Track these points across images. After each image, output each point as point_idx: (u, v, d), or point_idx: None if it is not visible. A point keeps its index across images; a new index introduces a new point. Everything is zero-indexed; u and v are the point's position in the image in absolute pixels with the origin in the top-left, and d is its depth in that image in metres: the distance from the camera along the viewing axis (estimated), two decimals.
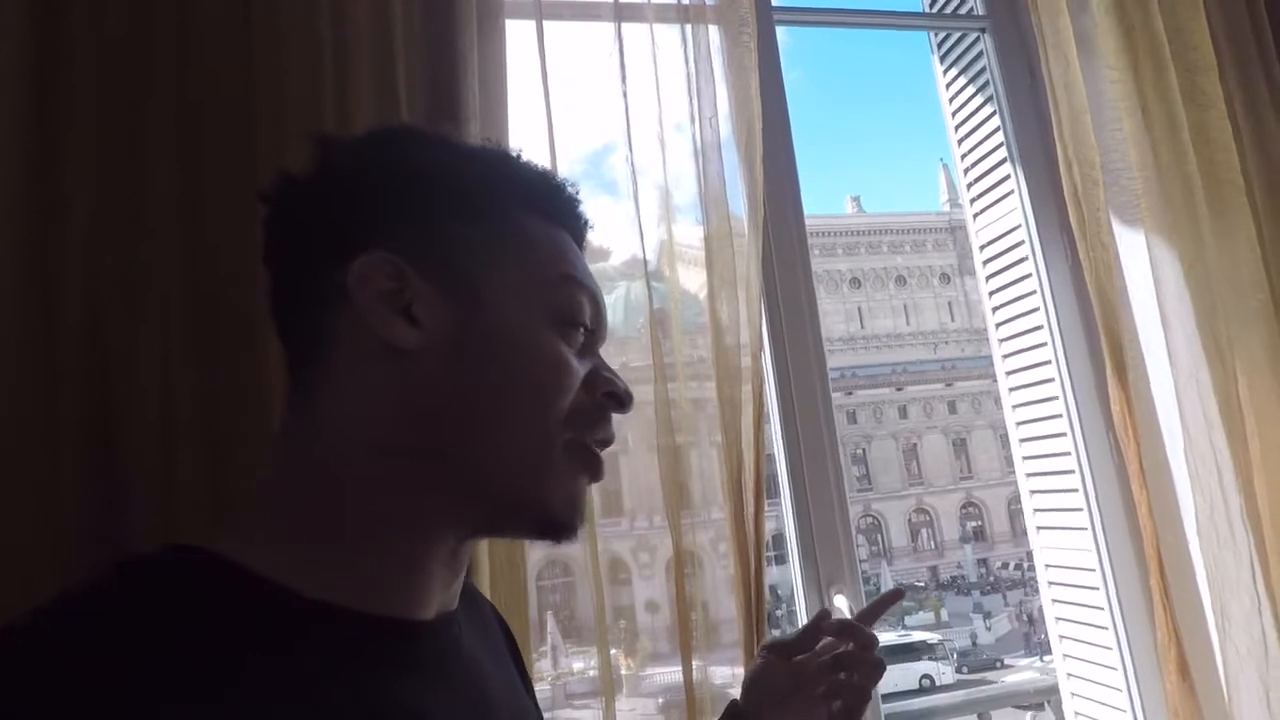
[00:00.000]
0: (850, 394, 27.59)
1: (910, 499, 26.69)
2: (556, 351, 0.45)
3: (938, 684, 14.05)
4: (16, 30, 0.76)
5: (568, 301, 0.47)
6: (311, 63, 0.84)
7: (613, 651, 1.17)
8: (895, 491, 26.67)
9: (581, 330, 0.47)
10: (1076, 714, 1.37)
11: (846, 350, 29.74)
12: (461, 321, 0.43)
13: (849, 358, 29.15)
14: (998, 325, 1.50)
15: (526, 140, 1.00)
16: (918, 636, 16.28)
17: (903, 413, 27.74)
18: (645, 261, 1.19)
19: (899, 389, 27.97)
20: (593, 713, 1.22)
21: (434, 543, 0.43)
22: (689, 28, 1.15)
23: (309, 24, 0.85)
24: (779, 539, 1.33)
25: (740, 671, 1.04)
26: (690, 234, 1.20)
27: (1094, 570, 1.27)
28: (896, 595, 0.73)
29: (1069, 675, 1.38)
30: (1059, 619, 1.40)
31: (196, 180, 0.78)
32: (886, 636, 16.20)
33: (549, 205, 0.49)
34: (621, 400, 0.48)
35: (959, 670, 15.70)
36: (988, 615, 19.80)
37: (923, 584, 24.30)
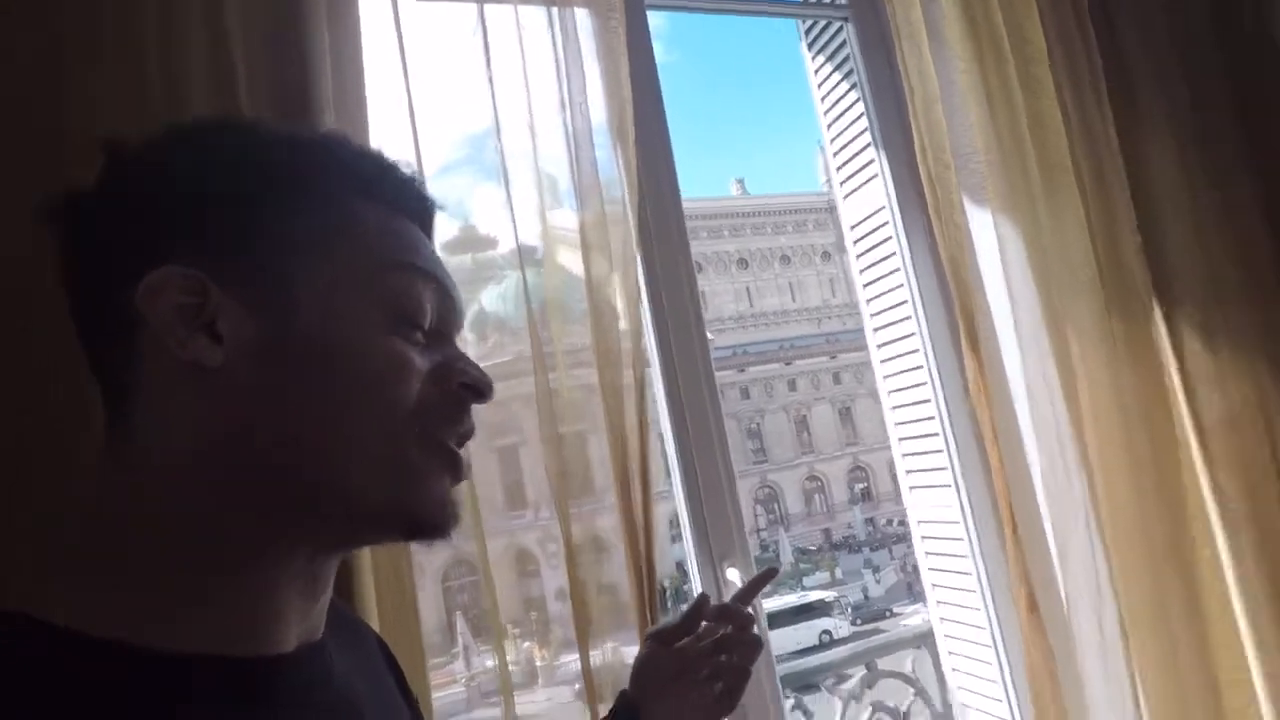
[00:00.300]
0: (743, 371, 28.54)
1: (802, 467, 28.01)
2: (391, 348, 0.42)
3: (835, 638, 14.88)
4: None
5: (404, 294, 0.43)
6: (134, 52, 0.76)
7: (526, 644, 1.16)
8: (789, 461, 27.89)
9: (423, 325, 0.44)
10: (950, 653, 1.49)
11: (737, 329, 30.68)
12: (276, 328, 0.40)
13: (740, 335, 30.11)
14: (868, 301, 1.59)
15: (390, 128, 0.96)
16: (815, 596, 17.21)
17: (792, 386, 28.98)
18: (520, 249, 1.17)
19: (788, 364, 29.19)
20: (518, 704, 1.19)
21: (283, 569, 0.40)
22: (555, 10, 1.14)
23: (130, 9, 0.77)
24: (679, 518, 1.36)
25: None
26: (570, 220, 1.19)
27: (958, 523, 1.38)
28: (769, 575, 0.77)
29: (941, 620, 1.50)
30: (931, 569, 1.51)
31: None
32: (787, 599, 17.00)
33: (382, 189, 0.45)
34: (479, 390, 0.45)
35: (854, 623, 16.72)
36: (876, 570, 21.18)
37: (817, 546, 25.63)
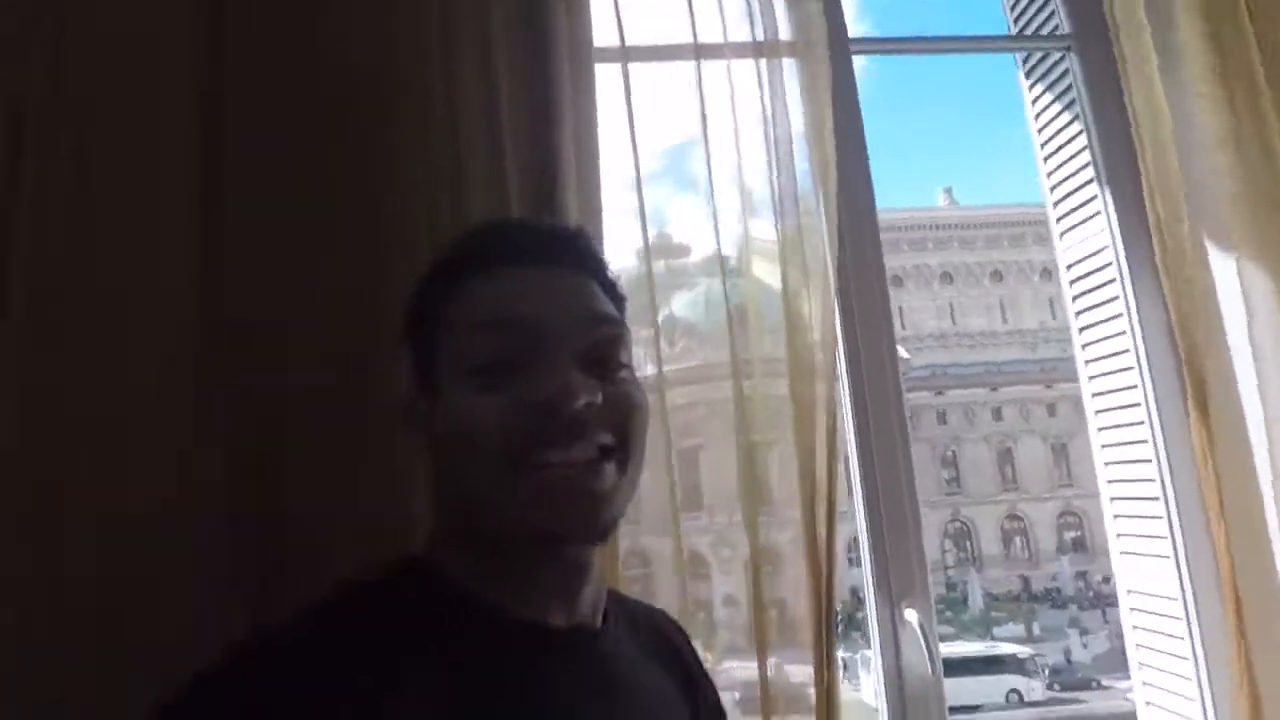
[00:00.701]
0: (940, 393, 26.59)
1: (1003, 505, 25.51)
2: (466, 406, 0.50)
3: (1026, 700, 13.45)
4: None
5: (470, 349, 0.52)
6: (423, 117, 0.95)
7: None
8: (988, 497, 25.54)
9: (503, 362, 0.51)
10: None
11: (937, 348, 28.65)
12: (432, 411, 0.53)
13: (939, 355, 28.08)
14: (1083, 346, 1.48)
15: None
16: (1006, 649, 15.60)
17: (997, 415, 26.47)
18: (723, 258, 1.22)
19: (993, 389, 26.71)
20: None
21: (521, 568, 0.53)
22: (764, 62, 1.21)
23: (423, 79, 0.97)
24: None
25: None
26: (767, 231, 1.24)
27: (1176, 600, 1.25)
28: None
29: (1146, 704, 1.36)
30: (1138, 645, 1.38)
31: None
32: (973, 647, 15.60)
33: (461, 263, 0.56)
34: (546, 408, 0.49)
35: (1050, 687, 14.95)
36: (1084, 632, 18.72)
37: (1013, 595, 23.21)
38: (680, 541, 1.18)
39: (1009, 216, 30.29)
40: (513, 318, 0.51)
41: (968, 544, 25.08)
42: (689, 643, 0.70)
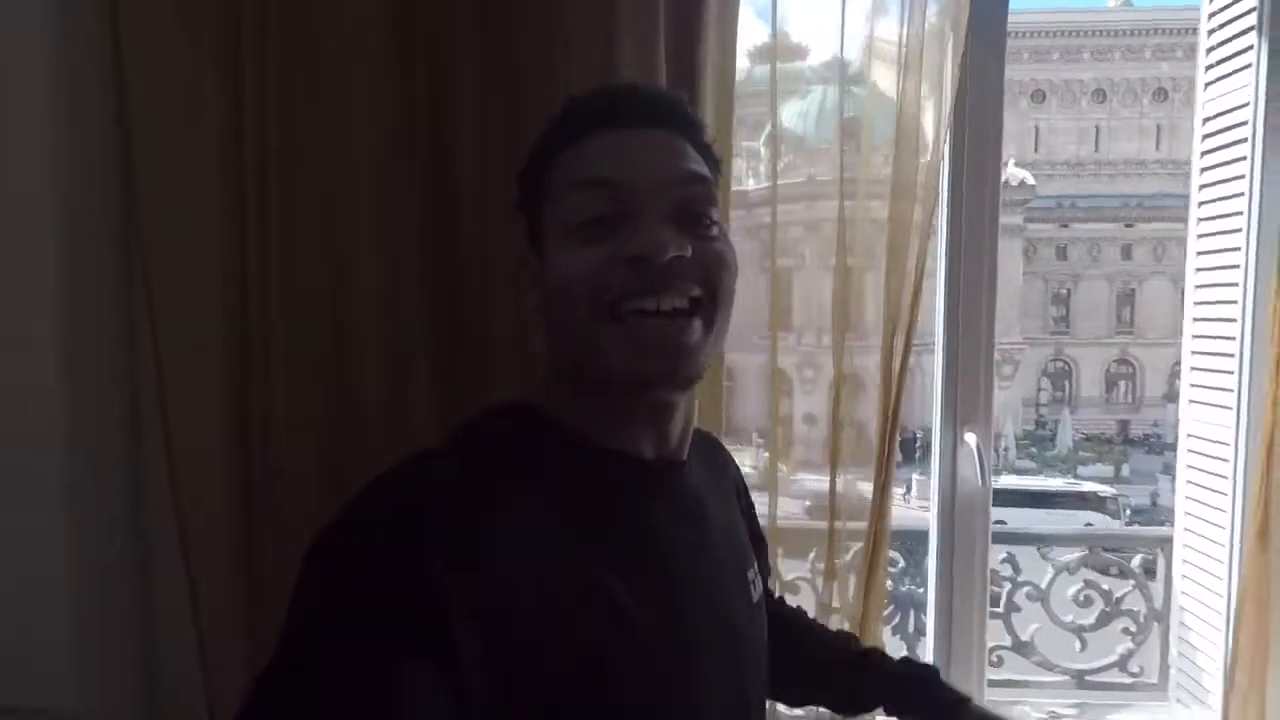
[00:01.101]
0: (1065, 226, 24.61)
1: (1114, 349, 24.35)
2: (566, 258, 0.54)
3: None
4: None
5: (572, 209, 0.54)
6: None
7: (766, 454, 1.43)
8: (1097, 338, 24.36)
9: (598, 220, 0.53)
10: (1184, 561, 1.53)
11: (1071, 176, 26.04)
12: (544, 270, 0.57)
13: (1072, 184, 25.60)
14: (1200, 188, 1.49)
15: None
16: (1088, 487, 15.69)
17: (1126, 253, 24.36)
18: (844, 63, 1.18)
19: (1128, 225, 24.37)
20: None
21: (617, 407, 0.57)
22: None
23: None
24: None
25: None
26: (892, 32, 1.17)
27: (1229, 446, 1.37)
28: None
29: (1184, 529, 1.53)
30: (1189, 481, 1.52)
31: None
32: (1051, 482, 15.80)
33: (570, 127, 0.57)
34: (637, 260, 0.52)
35: (1128, 524, 15.17)
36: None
37: (1107, 437, 22.84)
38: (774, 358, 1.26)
39: (1189, 22, 25.77)
40: (609, 176, 0.54)
41: (1065, 383, 24.43)
42: (736, 465, 0.78)
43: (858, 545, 1.27)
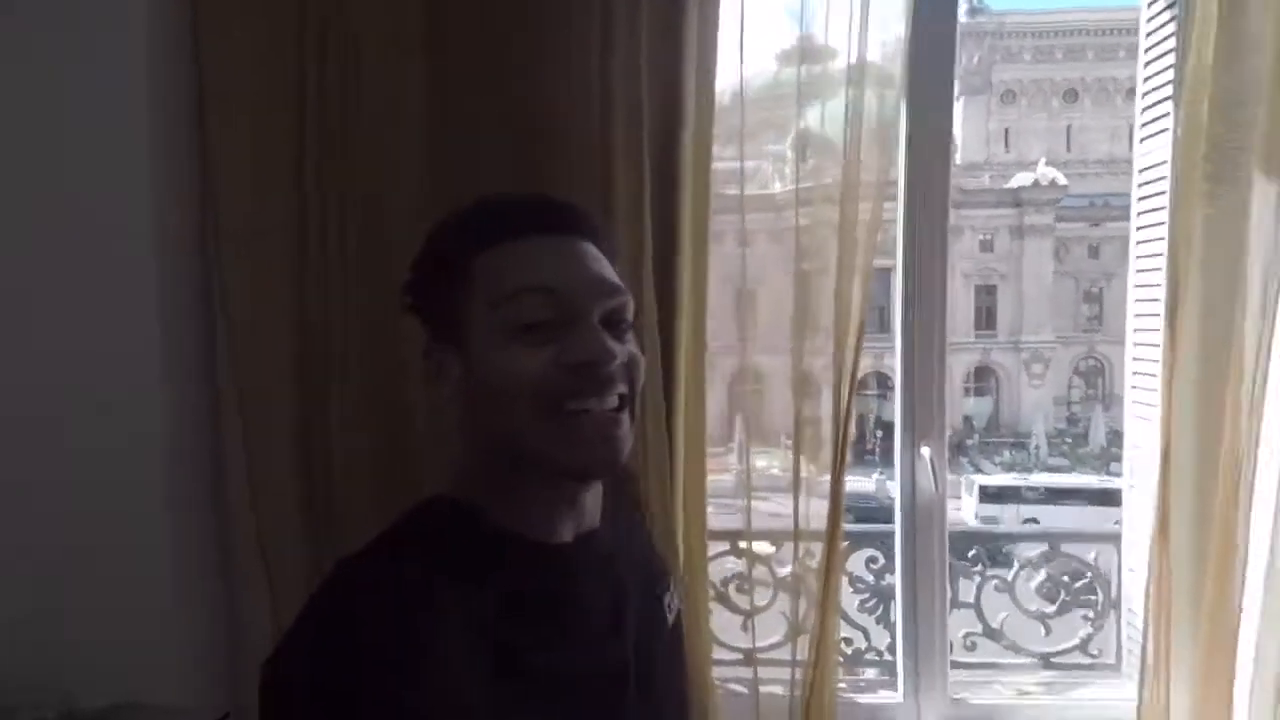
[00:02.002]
0: (1096, 225, 24.24)
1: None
2: (507, 359, 0.57)
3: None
4: None
5: (510, 311, 0.57)
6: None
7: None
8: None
9: (540, 325, 0.57)
10: (1130, 550, 1.71)
11: (1106, 175, 25.67)
12: (463, 366, 0.60)
13: (1106, 183, 25.20)
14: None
15: None
16: (1119, 484, 15.39)
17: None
18: (866, 65, 1.30)
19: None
20: (769, 504, 1.55)
21: (544, 491, 0.61)
22: None
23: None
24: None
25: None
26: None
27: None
28: None
29: (1129, 528, 1.70)
30: (1130, 486, 1.70)
31: None
32: (1084, 480, 15.54)
33: (490, 231, 0.60)
34: (584, 367, 0.57)
35: None
36: None
37: None
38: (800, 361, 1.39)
39: None
40: (553, 285, 0.58)
41: (1099, 380, 24.01)
42: (628, 488, 0.80)
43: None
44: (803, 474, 1.44)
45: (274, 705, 0.52)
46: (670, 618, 0.73)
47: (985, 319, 22.57)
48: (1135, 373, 1.66)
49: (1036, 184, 22.83)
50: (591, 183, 1.29)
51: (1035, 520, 13.19)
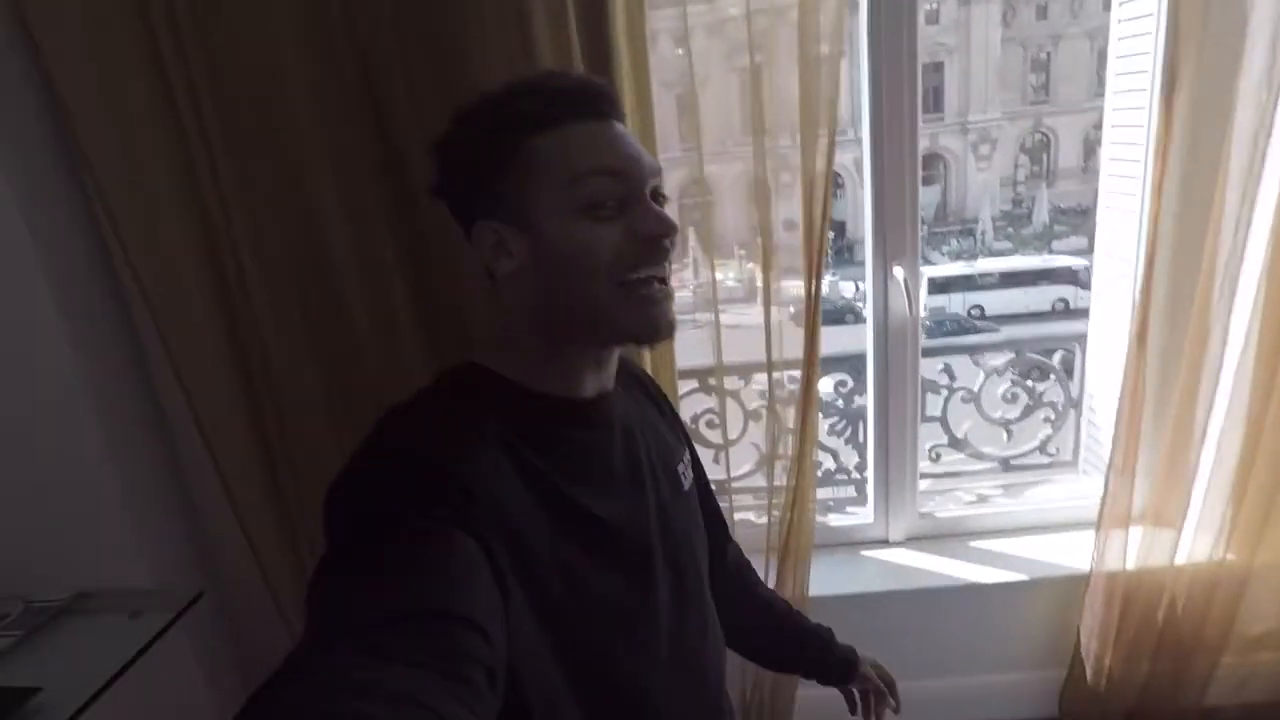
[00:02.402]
0: None
1: (1093, 113, 23.59)
2: (586, 235, 0.62)
3: (1071, 308, 14.10)
4: None
5: (584, 194, 0.62)
6: None
7: (750, 265, 1.49)
8: (1077, 105, 23.55)
9: (608, 202, 0.63)
10: (1095, 354, 1.71)
11: None
12: (531, 243, 0.64)
13: None
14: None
15: None
16: (1062, 262, 15.92)
17: (1107, 3, 22.84)
18: None
19: None
20: (727, 315, 1.44)
21: (580, 354, 0.69)
22: None
23: None
24: None
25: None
26: None
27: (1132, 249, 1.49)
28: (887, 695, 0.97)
29: (1096, 328, 1.68)
30: (1099, 286, 1.65)
31: None
32: (1029, 261, 16.03)
33: (545, 116, 0.63)
34: (655, 239, 0.63)
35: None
36: None
37: (1083, 208, 22.85)
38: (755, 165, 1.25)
39: None
40: (617, 167, 0.63)
41: (1044, 157, 24.01)
42: (653, 380, 0.89)
43: None
44: (759, 284, 1.35)
45: (341, 522, 0.55)
46: (685, 484, 0.80)
47: (933, 100, 21.86)
48: (1113, 158, 1.55)
49: None
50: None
51: (980, 307, 13.75)
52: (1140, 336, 1.26)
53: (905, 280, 1.48)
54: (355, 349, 1.27)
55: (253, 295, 1.24)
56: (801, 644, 0.97)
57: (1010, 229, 20.66)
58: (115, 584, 1.24)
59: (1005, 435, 1.86)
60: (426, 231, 1.20)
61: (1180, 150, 1.19)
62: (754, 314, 1.39)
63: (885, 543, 1.69)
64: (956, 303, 13.72)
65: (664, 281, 0.66)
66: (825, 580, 1.53)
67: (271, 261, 1.24)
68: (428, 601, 0.47)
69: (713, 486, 0.93)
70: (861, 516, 1.72)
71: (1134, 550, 1.45)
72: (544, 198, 0.63)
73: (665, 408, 0.87)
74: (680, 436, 0.85)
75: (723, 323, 1.42)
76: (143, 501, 1.34)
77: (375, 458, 0.59)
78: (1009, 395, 1.83)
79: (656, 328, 0.66)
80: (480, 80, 1.10)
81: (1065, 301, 14.49)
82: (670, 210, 0.68)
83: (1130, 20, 1.42)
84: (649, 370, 1.26)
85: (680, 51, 1.27)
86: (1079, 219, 21.66)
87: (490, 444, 0.61)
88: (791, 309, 1.39)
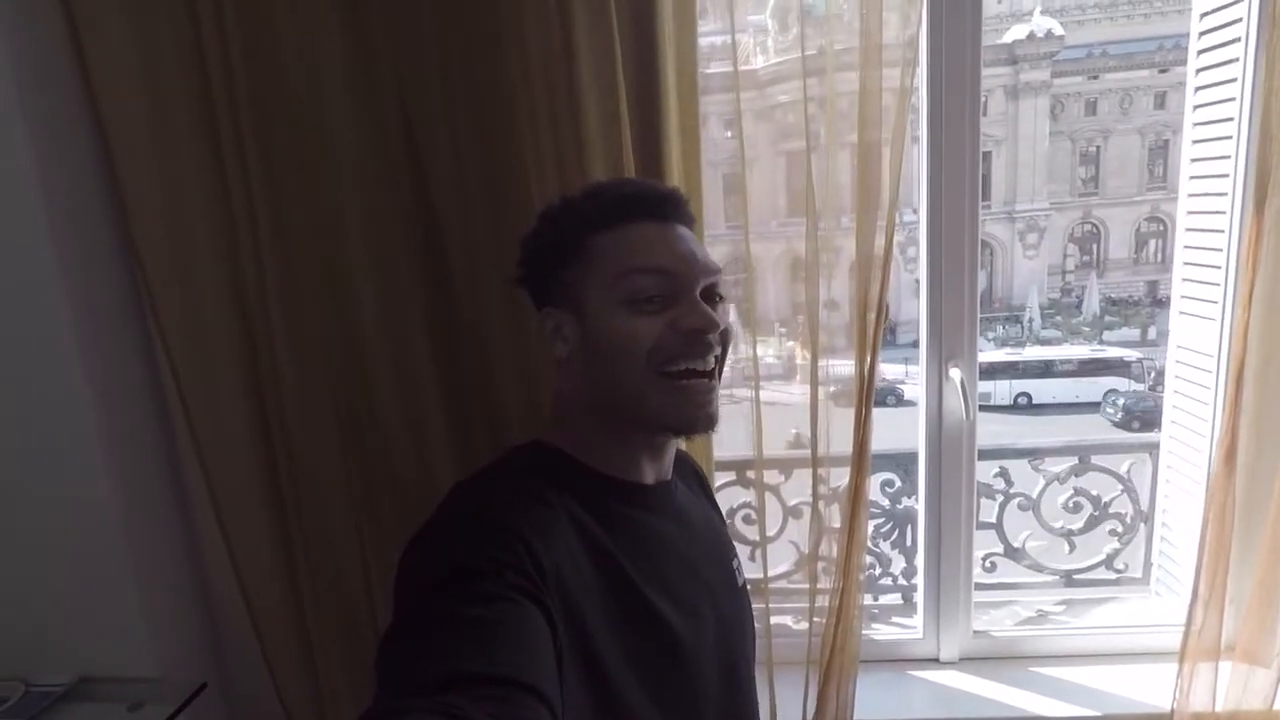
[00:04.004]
0: (1095, 78, 23.15)
1: (1144, 206, 23.40)
2: (626, 327, 0.67)
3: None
4: None
5: (629, 288, 0.67)
6: None
7: (790, 343, 1.44)
8: (1127, 197, 23.41)
9: (653, 297, 0.67)
10: (1168, 467, 1.58)
11: (1104, 20, 24.27)
12: (582, 331, 0.69)
13: (1104, 30, 23.87)
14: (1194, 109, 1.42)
15: None
16: (1113, 353, 15.55)
17: (1159, 101, 22.91)
18: None
19: (1162, 70, 22.81)
20: (765, 392, 1.40)
21: (636, 441, 0.73)
22: None
23: None
24: None
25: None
26: None
27: (1211, 356, 1.39)
28: None
29: (1170, 438, 1.56)
30: (1175, 392, 1.54)
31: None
32: (1078, 351, 15.71)
33: (605, 216, 0.69)
34: (694, 333, 0.67)
35: (1152, 388, 15.12)
36: None
37: (1135, 299, 22.37)
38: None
39: None
40: (666, 266, 0.68)
41: (1093, 247, 23.72)
42: (702, 471, 0.92)
43: None
44: (799, 360, 1.32)
45: (416, 578, 0.56)
46: (739, 580, 0.81)
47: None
48: (1187, 262, 1.46)
49: (1032, 36, 21.60)
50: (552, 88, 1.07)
51: (1028, 394, 13.40)
52: (1228, 454, 1.15)
53: (962, 382, 1.39)
54: (384, 441, 1.24)
55: (283, 381, 1.22)
56: None
57: (1058, 317, 20.27)
58: (119, 657, 1.21)
59: (1067, 547, 1.72)
60: (466, 334, 1.19)
61: (1271, 259, 1.11)
62: (792, 391, 1.33)
63: (936, 661, 1.55)
64: (1003, 389, 13.41)
65: (707, 376, 0.69)
66: (871, 703, 1.39)
67: (304, 344, 1.22)
68: (502, 668, 0.48)
69: (749, 586, 0.88)
70: (910, 630, 1.59)
71: (1224, 689, 1.29)
72: (595, 289, 0.68)
73: (714, 501, 0.88)
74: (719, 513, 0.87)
75: (761, 399, 1.35)
76: (151, 581, 1.28)
77: (452, 519, 0.62)
78: (1071, 504, 1.70)
79: (693, 420, 0.69)
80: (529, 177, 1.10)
81: (1116, 392, 14.09)
82: (725, 309, 0.71)
83: (1206, 124, 1.36)
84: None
85: (730, 134, 1.27)
86: (1130, 310, 21.19)
87: (559, 516, 0.64)
88: (833, 388, 1.34)
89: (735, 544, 0.87)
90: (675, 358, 0.67)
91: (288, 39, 1.11)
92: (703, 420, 0.69)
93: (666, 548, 0.72)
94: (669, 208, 0.71)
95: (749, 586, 0.87)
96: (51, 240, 1.10)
